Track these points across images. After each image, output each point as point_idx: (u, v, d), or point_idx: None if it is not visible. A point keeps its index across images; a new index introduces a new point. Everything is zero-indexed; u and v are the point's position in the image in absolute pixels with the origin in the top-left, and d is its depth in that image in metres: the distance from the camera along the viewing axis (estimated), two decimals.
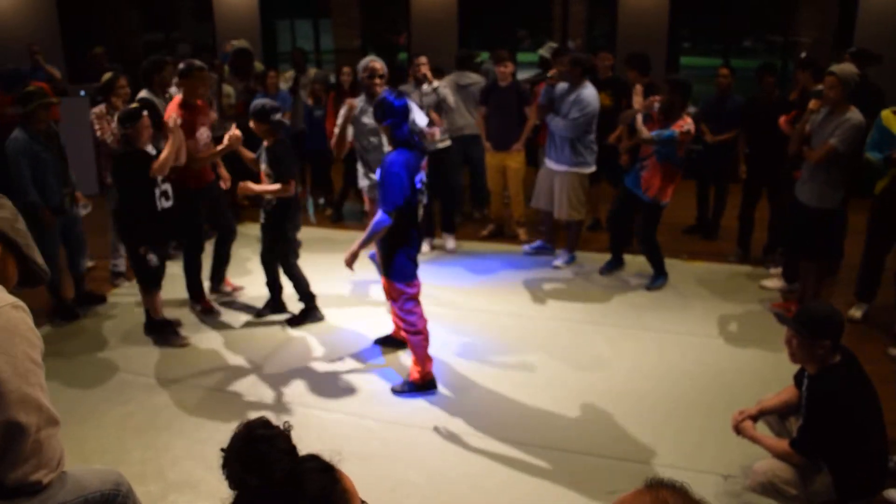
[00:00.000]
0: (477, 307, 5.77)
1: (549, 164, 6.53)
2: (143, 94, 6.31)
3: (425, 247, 7.03)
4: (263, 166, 5.20)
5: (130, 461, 3.84)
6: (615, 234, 6.42)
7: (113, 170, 5.15)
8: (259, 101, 5.27)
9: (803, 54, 6.13)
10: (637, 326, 5.42)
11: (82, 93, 9.17)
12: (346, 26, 11.72)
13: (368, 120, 5.35)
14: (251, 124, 5.19)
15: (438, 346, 5.09)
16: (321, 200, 8.48)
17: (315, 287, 5.53)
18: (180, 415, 4.30)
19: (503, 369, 4.81)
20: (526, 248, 6.97)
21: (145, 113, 4.91)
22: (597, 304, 5.83)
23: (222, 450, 1.54)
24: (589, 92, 6.18)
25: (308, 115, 8.07)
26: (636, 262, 6.49)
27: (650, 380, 4.67)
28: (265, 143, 5.22)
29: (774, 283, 6.16)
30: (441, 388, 4.59)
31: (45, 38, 11.41)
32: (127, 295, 6.05)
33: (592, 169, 6.46)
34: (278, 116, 5.16)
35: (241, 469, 1.51)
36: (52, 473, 1.97)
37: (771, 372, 4.49)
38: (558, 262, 6.63)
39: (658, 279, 6.13)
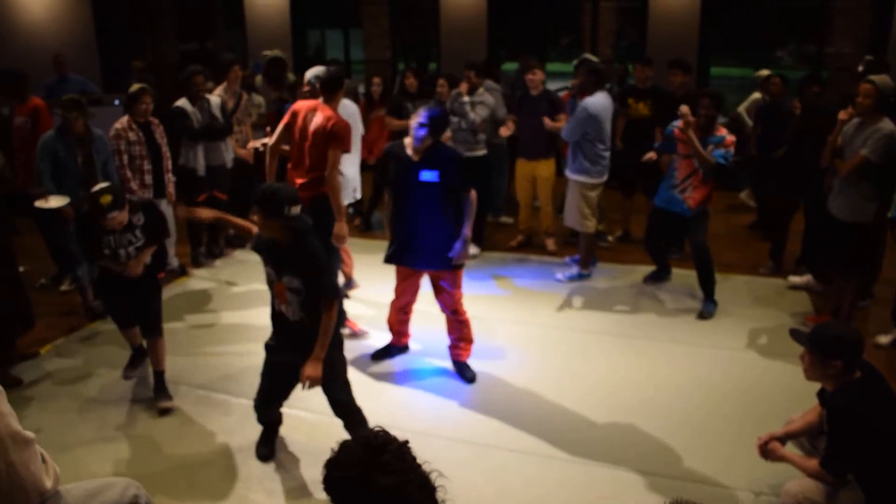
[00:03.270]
0: (504, 318, 5.75)
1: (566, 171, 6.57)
2: (179, 102, 6.46)
3: (474, 249, 7.08)
4: (287, 279, 3.56)
5: (158, 470, 3.87)
6: (653, 249, 6.28)
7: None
8: (270, 187, 3.58)
9: (861, 67, 6.04)
10: (667, 339, 5.37)
11: (116, 102, 9.32)
12: (377, 36, 11.79)
13: None
14: (255, 217, 3.72)
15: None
16: (350, 209, 8.52)
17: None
18: (209, 424, 4.33)
19: (530, 381, 4.78)
20: (567, 260, 6.91)
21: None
22: (626, 317, 5.78)
23: (332, 466, 1.57)
24: (593, 99, 6.12)
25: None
26: (676, 276, 6.40)
27: (680, 394, 4.61)
28: (279, 241, 3.56)
29: (802, 279, 6.21)
30: (467, 399, 4.58)
31: (81, 47, 11.62)
32: None
33: (595, 180, 6.33)
34: (296, 210, 3.46)
35: (383, 475, 1.55)
36: (44, 495, 1.80)
37: (802, 386, 4.39)
38: (560, 276, 6.56)
39: (709, 304, 5.78)
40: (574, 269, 6.59)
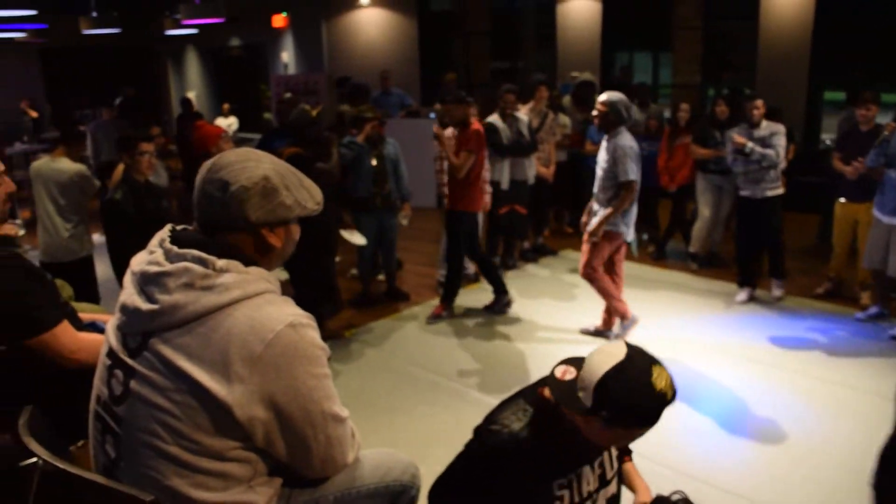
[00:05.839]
0: (790, 368, 5.25)
1: (883, 217, 5.76)
2: (491, 118, 6.85)
3: (742, 296, 6.60)
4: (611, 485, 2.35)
5: (432, 461, 4.05)
6: None
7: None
8: None
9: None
10: None
11: (432, 115, 10.04)
12: (688, 61, 11.44)
13: None
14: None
15: (740, 403, 4.76)
16: (644, 236, 8.35)
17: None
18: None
19: (802, 442, 4.31)
20: (859, 315, 6.20)
21: None
22: None
23: None
24: None
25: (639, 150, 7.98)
26: None
27: None
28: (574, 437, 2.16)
29: None
30: (747, 451, 4.25)
31: (406, 64, 12.73)
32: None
33: None
34: None
35: None
36: (346, 465, 1.99)
37: None
38: (893, 332, 5.80)
39: None
40: None
